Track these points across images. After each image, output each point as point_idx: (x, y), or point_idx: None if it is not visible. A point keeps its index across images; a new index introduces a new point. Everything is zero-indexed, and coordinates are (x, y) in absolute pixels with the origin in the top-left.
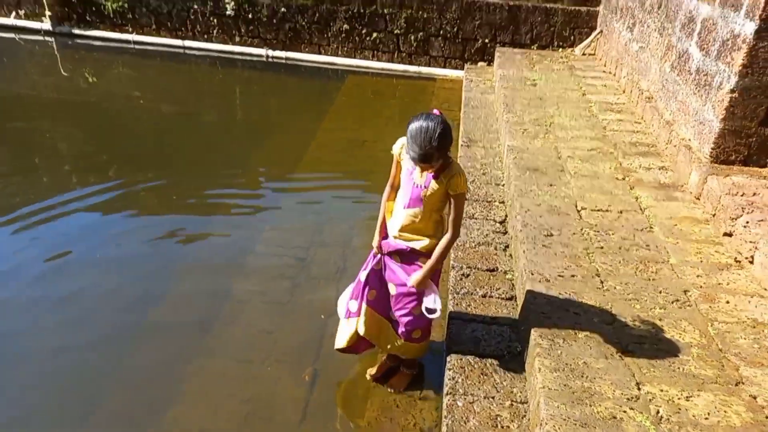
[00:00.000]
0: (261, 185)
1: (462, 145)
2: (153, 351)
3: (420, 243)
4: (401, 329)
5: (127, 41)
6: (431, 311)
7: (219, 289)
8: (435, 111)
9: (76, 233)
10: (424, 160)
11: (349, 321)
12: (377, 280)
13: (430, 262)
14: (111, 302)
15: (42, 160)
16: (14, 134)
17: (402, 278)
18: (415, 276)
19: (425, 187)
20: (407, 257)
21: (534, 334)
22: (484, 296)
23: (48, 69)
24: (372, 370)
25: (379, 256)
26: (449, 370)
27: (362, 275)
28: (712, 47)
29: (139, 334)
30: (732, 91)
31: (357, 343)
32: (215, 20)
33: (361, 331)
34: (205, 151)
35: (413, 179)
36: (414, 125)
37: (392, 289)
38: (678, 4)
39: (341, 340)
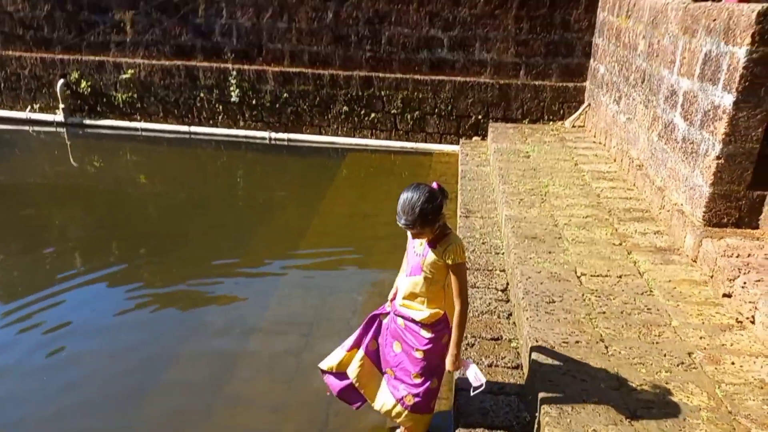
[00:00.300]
0: (265, 262)
1: (461, 216)
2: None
3: (420, 314)
4: (404, 394)
5: (135, 129)
6: (477, 388)
7: (223, 367)
8: (434, 184)
9: (78, 313)
10: (406, 227)
11: (340, 351)
12: (379, 331)
13: (453, 342)
14: (109, 385)
15: (49, 244)
16: (24, 221)
17: (410, 342)
18: (447, 362)
19: (423, 256)
20: (411, 326)
21: (542, 402)
22: (490, 365)
23: (59, 158)
24: None
25: (388, 309)
26: None
27: (366, 319)
28: (695, 117)
29: (141, 418)
30: (718, 157)
31: (348, 390)
32: (220, 107)
33: (353, 377)
34: (210, 231)
35: (414, 249)
36: (402, 195)
37: (396, 347)
38: (660, 79)
39: (328, 361)
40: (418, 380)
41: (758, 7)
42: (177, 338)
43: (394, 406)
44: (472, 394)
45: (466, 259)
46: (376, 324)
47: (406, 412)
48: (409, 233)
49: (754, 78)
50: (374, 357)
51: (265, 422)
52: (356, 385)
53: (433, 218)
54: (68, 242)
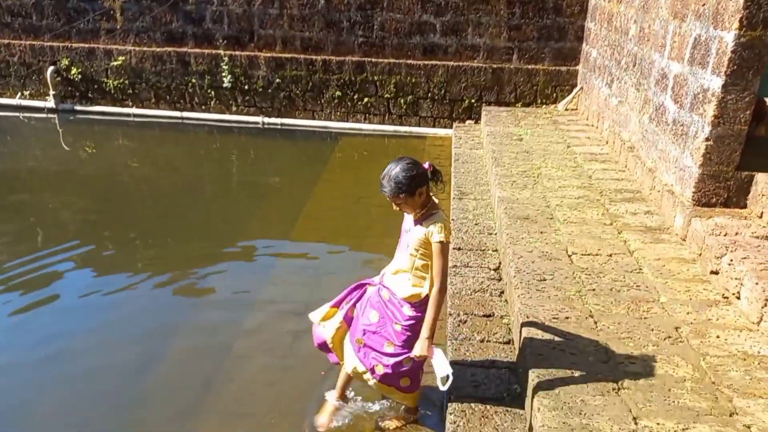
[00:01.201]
0: (259, 244)
1: (454, 198)
2: (156, 409)
3: (402, 290)
4: (387, 379)
5: (127, 114)
6: (444, 380)
7: (220, 345)
8: (426, 164)
9: (75, 295)
10: (384, 194)
11: (326, 306)
12: (359, 300)
13: (426, 326)
14: (110, 361)
15: (43, 228)
16: (17, 206)
17: (389, 315)
18: (416, 347)
19: (410, 231)
20: (394, 297)
21: (532, 375)
22: (481, 341)
23: (50, 144)
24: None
25: (376, 281)
26: (450, 414)
27: (352, 285)
28: (685, 100)
29: (140, 395)
30: (707, 139)
31: (325, 346)
32: (213, 92)
33: (328, 338)
34: (203, 214)
35: (404, 226)
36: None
37: (373, 317)
38: (651, 63)
39: (317, 313)
40: (390, 349)
41: None
42: (172, 317)
43: (364, 372)
44: (441, 388)
45: (450, 240)
46: (361, 291)
47: (375, 381)
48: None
49: (742, 61)
50: (350, 323)
51: (262, 397)
52: (330, 346)
53: (409, 188)
54: (61, 226)
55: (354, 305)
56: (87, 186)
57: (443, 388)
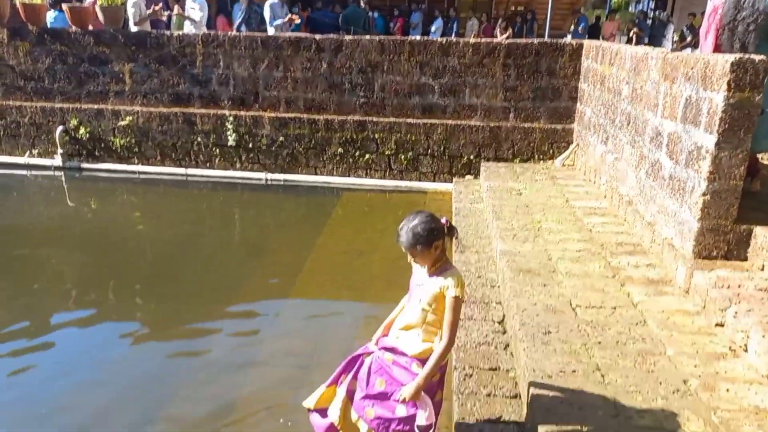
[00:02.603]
0: (261, 299)
1: (456, 251)
2: None
3: (412, 347)
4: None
5: (133, 171)
6: (425, 429)
7: (222, 402)
8: (443, 219)
9: (75, 353)
10: (400, 245)
11: (322, 387)
12: (359, 371)
13: (423, 372)
14: (103, 421)
15: (43, 282)
16: (19, 261)
17: (398, 378)
18: (406, 388)
19: (423, 285)
20: (400, 360)
21: (541, 430)
22: (488, 395)
23: (55, 200)
24: None
25: (372, 349)
26: None
27: (348, 358)
28: (680, 157)
29: None
30: (704, 194)
31: (330, 430)
32: (217, 150)
33: (334, 419)
34: (205, 270)
35: (416, 279)
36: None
37: (379, 384)
38: (645, 121)
39: (311, 398)
40: (402, 412)
41: (731, 57)
42: (173, 374)
43: None
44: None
45: (464, 297)
46: (358, 363)
47: None
48: (411, 262)
49: (733, 121)
50: (352, 397)
51: None
52: (338, 427)
53: (426, 241)
54: (62, 281)
55: (355, 378)
56: (89, 241)
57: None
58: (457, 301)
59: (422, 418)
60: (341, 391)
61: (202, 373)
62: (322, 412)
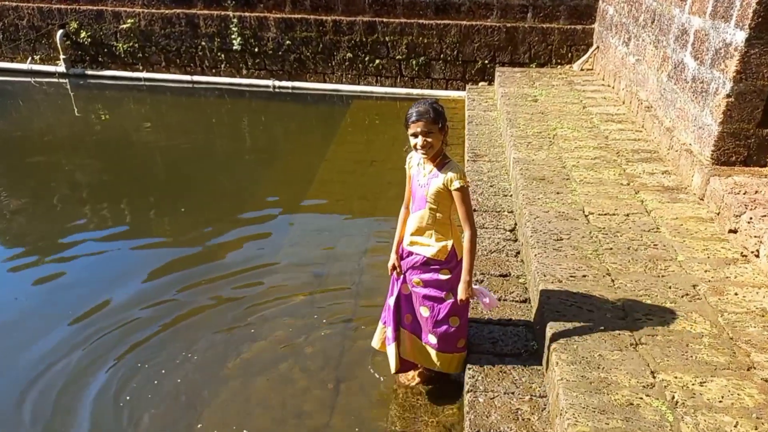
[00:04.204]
0: (273, 208)
1: (468, 160)
2: (184, 369)
3: (429, 249)
4: (444, 346)
5: (138, 79)
6: (490, 305)
7: (241, 309)
8: None
9: (93, 263)
10: (419, 117)
11: (390, 347)
12: (408, 304)
13: (464, 269)
14: (128, 317)
15: (58, 190)
16: (33, 168)
17: (434, 294)
18: (460, 290)
19: (427, 186)
20: (426, 271)
21: (550, 330)
22: (498, 300)
23: (63, 108)
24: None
25: (401, 278)
26: (469, 369)
27: (390, 301)
28: (706, 56)
29: (176, 349)
30: (728, 96)
31: (405, 365)
32: (222, 55)
33: (404, 355)
34: (217, 178)
35: (418, 181)
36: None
37: (425, 312)
38: (670, 18)
39: (392, 364)
40: (456, 324)
41: None
42: (192, 282)
43: (440, 358)
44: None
45: (468, 183)
46: (402, 299)
47: (435, 352)
48: (414, 170)
49: None
50: (414, 328)
51: (285, 354)
52: (411, 359)
53: (443, 119)
54: (76, 189)
55: (408, 312)
56: (99, 150)
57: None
58: (465, 191)
59: (485, 305)
60: (402, 331)
61: (220, 276)
62: (404, 368)
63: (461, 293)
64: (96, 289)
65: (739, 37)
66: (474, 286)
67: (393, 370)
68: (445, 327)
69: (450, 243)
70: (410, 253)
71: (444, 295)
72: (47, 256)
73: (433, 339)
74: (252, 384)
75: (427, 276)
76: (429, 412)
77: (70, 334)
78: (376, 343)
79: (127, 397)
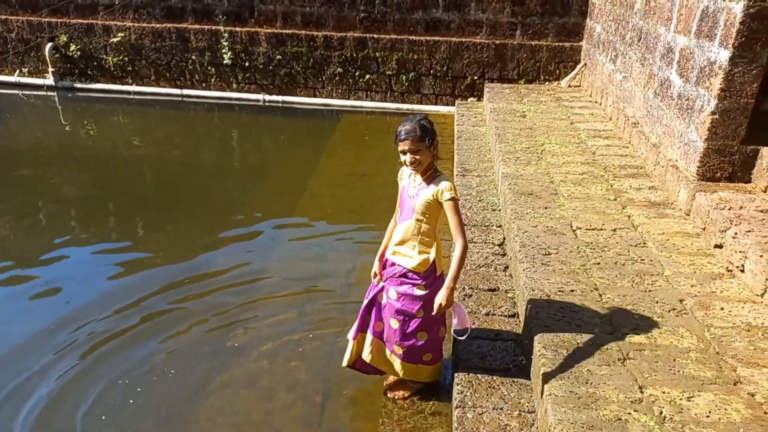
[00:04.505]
0: (262, 222)
1: (457, 174)
2: (172, 377)
3: (410, 261)
4: (409, 357)
5: (127, 92)
6: (462, 333)
7: (227, 323)
8: None
9: (77, 277)
10: (406, 135)
11: (350, 343)
12: (380, 313)
13: (450, 276)
14: (111, 328)
15: (44, 204)
16: (20, 181)
17: (406, 309)
18: (439, 297)
19: (416, 197)
20: (403, 284)
21: (538, 345)
22: (487, 314)
23: (50, 121)
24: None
25: (381, 285)
26: (457, 384)
27: (364, 302)
28: (691, 74)
29: (158, 362)
30: (713, 113)
31: (362, 365)
32: (213, 69)
33: (369, 361)
34: (206, 193)
35: (408, 192)
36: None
37: (394, 324)
38: (656, 37)
39: (345, 358)
40: (423, 338)
41: None
42: (179, 297)
43: (408, 368)
44: (458, 338)
45: (458, 196)
46: (375, 306)
47: (400, 362)
48: (405, 182)
49: (751, 33)
50: (382, 337)
51: (271, 369)
52: (373, 364)
53: (432, 134)
54: (63, 203)
55: (378, 320)
56: (87, 164)
57: (460, 339)
58: (455, 203)
59: (454, 323)
60: (369, 336)
61: (206, 293)
62: (358, 362)
63: (442, 299)
64: (79, 303)
65: (723, 55)
66: (455, 301)
67: (344, 364)
68: (412, 341)
69: (432, 256)
70: (393, 264)
71: (415, 311)
72: (30, 269)
73: (399, 350)
74: (236, 398)
75: (402, 289)
76: (418, 428)
77: (50, 347)
78: (345, 360)
79: (103, 417)
